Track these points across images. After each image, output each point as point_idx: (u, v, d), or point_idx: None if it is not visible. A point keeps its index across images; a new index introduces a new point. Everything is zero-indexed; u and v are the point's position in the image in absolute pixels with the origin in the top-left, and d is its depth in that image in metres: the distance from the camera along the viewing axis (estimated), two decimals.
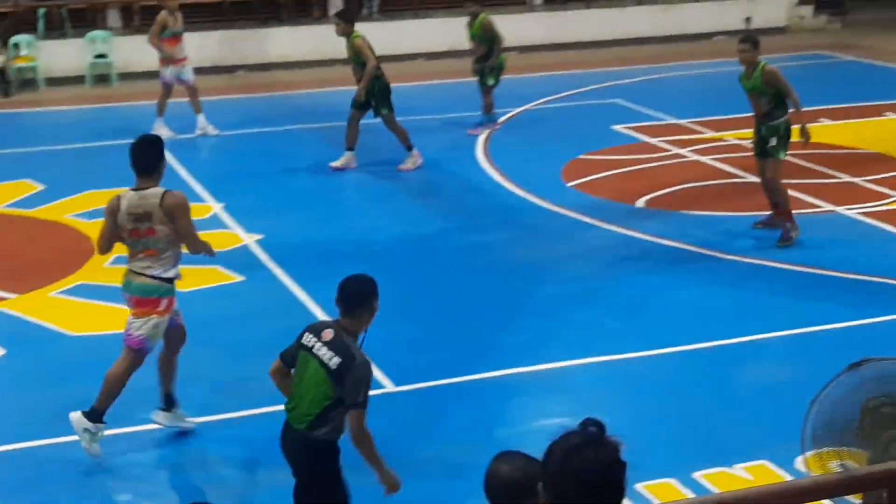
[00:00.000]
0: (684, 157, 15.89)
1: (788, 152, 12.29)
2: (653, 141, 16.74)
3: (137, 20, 23.13)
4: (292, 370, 6.50)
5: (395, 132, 15.45)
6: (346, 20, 15.45)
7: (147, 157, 8.13)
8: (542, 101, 19.71)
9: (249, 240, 12.71)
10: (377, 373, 9.28)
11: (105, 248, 8.32)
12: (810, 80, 21.50)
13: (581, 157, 15.99)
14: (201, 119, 17.43)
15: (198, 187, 14.70)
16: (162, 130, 17.06)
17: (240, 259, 12.12)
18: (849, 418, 6.23)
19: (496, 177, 15.11)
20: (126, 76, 21.97)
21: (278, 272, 11.74)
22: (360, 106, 15.34)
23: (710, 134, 17.09)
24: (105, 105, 20.25)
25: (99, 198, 14.22)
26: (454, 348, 9.83)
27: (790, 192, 12.51)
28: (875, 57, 23.22)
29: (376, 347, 9.71)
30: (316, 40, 23.52)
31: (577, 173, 15.15)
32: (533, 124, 18.15)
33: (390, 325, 10.27)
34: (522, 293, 11.16)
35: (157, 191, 8.04)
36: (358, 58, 15.21)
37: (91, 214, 13.60)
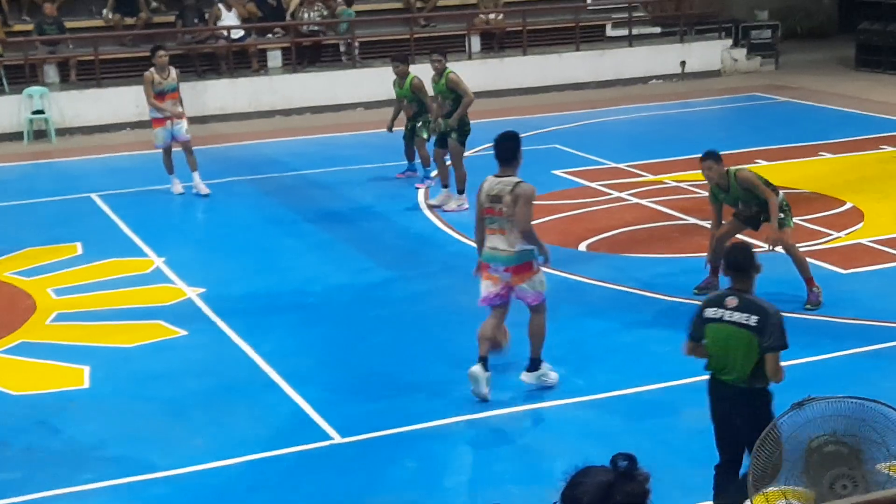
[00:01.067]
0: (624, 200, 16.02)
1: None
2: (593, 185, 16.88)
3: (74, 76, 23.08)
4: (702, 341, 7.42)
5: (455, 166, 15.95)
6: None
7: (506, 150, 9.51)
8: (481, 147, 19.77)
9: (192, 293, 12.65)
10: (324, 425, 9.33)
11: (478, 224, 9.69)
12: (747, 122, 21.83)
13: None
14: (196, 176, 17.01)
15: (139, 241, 14.63)
16: (177, 187, 16.93)
17: (183, 313, 12.06)
18: (794, 457, 6.29)
19: (438, 224, 15.16)
20: (64, 131, 21.87)
21: (222, 325, 11.68)
22: (441, 143, 16.05)
23: (649, 177, 17.25)
24: (43, 161, 20.12)
25: (38, 255, 14.13)
26: (399, 397, 9.82)
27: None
28: (809, 98, 23.56)
29: (321, 399, 9.74)
30: (254, 92, 23.57)
31: None
32: (473, 171, 18.16)
33: (335, 375, 10.31)
34: (466, 340, 11.16)
35: (512, 179, 9.42)
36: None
37: (30, 272, 13.48)
